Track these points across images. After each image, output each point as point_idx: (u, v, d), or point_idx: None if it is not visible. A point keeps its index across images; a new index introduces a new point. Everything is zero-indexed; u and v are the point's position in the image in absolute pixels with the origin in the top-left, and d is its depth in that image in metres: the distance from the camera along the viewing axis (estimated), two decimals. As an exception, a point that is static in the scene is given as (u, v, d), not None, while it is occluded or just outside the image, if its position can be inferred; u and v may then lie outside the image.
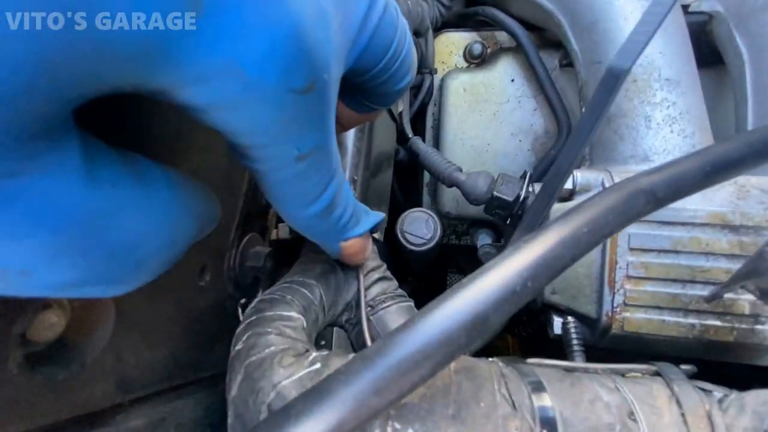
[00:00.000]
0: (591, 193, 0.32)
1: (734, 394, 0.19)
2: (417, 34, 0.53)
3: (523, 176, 0.41)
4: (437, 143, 0.57)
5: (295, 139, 0.15)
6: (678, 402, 0.19)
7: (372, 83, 0.20)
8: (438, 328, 0.14)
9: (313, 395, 0.14)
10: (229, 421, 0.20)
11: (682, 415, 0.18)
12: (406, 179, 0.64)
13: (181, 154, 0.21)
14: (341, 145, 0.35)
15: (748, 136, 0.21)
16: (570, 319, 0.30)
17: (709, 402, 0.19)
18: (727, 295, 0.28)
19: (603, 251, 0.30)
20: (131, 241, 0.13)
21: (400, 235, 0.43)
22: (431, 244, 0.43)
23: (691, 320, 0.29)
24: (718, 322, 0.28)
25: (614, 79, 0.17)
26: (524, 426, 0.17)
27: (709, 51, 0.44)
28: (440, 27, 0.59)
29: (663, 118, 0.34)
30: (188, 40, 0.10)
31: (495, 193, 0.40)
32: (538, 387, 0.19)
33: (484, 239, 0.56)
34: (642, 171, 0.20)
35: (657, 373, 0.21)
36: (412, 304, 0.31)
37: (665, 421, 0.18)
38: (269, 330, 0.21)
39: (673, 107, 0.33)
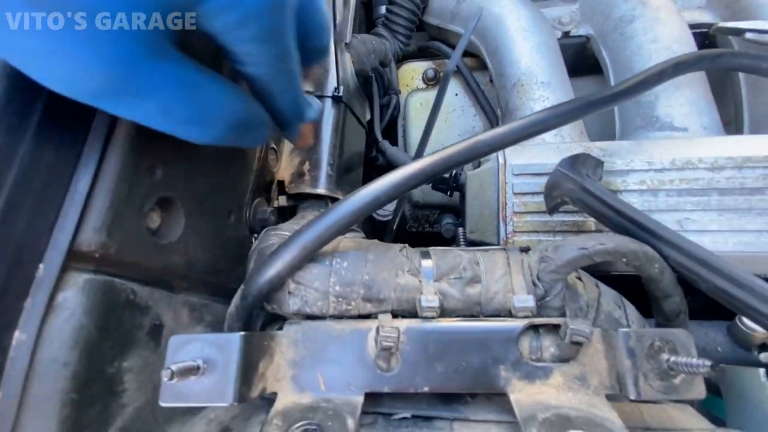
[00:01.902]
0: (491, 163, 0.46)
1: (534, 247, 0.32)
2: (383, 65, 0.69)
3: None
4: (406, 147, 0.73)
5: (273, 47, 0.25)
6: (507, 257, 0.32)
7: (308, 40, 0.30)
8: (352, 203, 0.29)
9: (291, 237, 0.28)
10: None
11: (508, 261, 0.31)
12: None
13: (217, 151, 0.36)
14: (321, 141, 0.50)
15: (500, 128, 0.34)
16: (460, 230, 0.44)
17: (523, 255, 0.32)
18: (579, 218, 0.41)
19: (497, 197, 0.44)
20: (208, 102, 0.25)
21: (371, 210, 0.58)
22: (394, 216, 0.57)
23: (558, 239, 0.42)
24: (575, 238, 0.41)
25: (446, 78, 0.31)
26: (413, 267, 0.31)
27: (595, 62, 0.59)
28: (403, 59, 0.76)
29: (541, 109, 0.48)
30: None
31: (437, 172, 0.54)
32: (426, 255, 0.32)
33: (445, 219, 0.70)
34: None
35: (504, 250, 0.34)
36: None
37: (498, 264, 0.31)
38: (273, 237, 0.35)
39: (548, 101, 0.48)
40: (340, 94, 0.51)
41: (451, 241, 0.63)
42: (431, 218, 0.78)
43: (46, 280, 0.23)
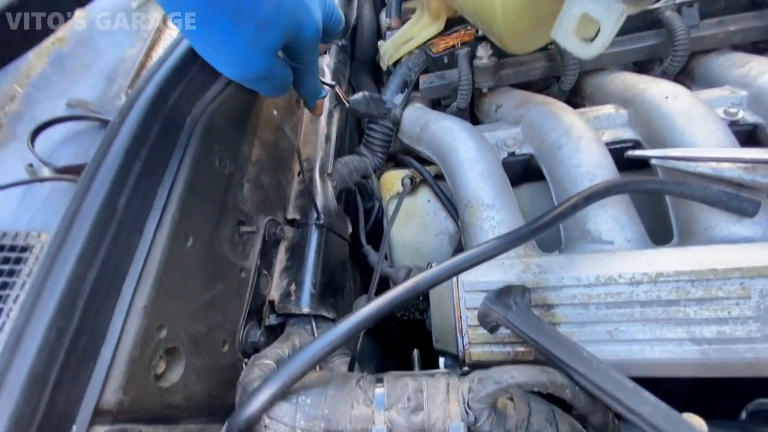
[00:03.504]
0: (448, 277, 0.53)
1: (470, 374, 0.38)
2: (365, 177, 0.81)
3: (428, 265, 0.63)
4: (390, 247, 0.81)
5: (313, 54, 0.48)
6: (448, 384, 0.38)
7: (330, 27, 0.50)
8: (308, 354, 0.36)
9: (264, 382, 0.36)
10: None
11: (448, 386, 0.38)
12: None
13: (212, 283, 0.45)
14: (305, 263, 0.59)
15: (436, 268, 0.42)
16: (415, 352, 0.50)
17: (462, 381, 0.38)
18: (523, 331, 0.47)
19: (453, 311, 0.50)
20: (284, 79, 0.48)
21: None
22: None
23: (507, 349, 0.47)
24: (522, 348, 0.47)
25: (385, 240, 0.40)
26: (366, 399, 0.37)
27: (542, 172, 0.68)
28: (386, 161, 0.87)
29: (489, 227, 0.56)
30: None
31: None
32: (379, 382, 0.39)
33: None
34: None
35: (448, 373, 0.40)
36: (348, 358, 0.52)
37: (440, 391, 0.37)
38: (256, 370, 0.43)
39: (493, 220, 0.56)
40: (321, 221, 0.61)
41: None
42: (420, 306, 0.84)
43: (77, 437, 0.31)
